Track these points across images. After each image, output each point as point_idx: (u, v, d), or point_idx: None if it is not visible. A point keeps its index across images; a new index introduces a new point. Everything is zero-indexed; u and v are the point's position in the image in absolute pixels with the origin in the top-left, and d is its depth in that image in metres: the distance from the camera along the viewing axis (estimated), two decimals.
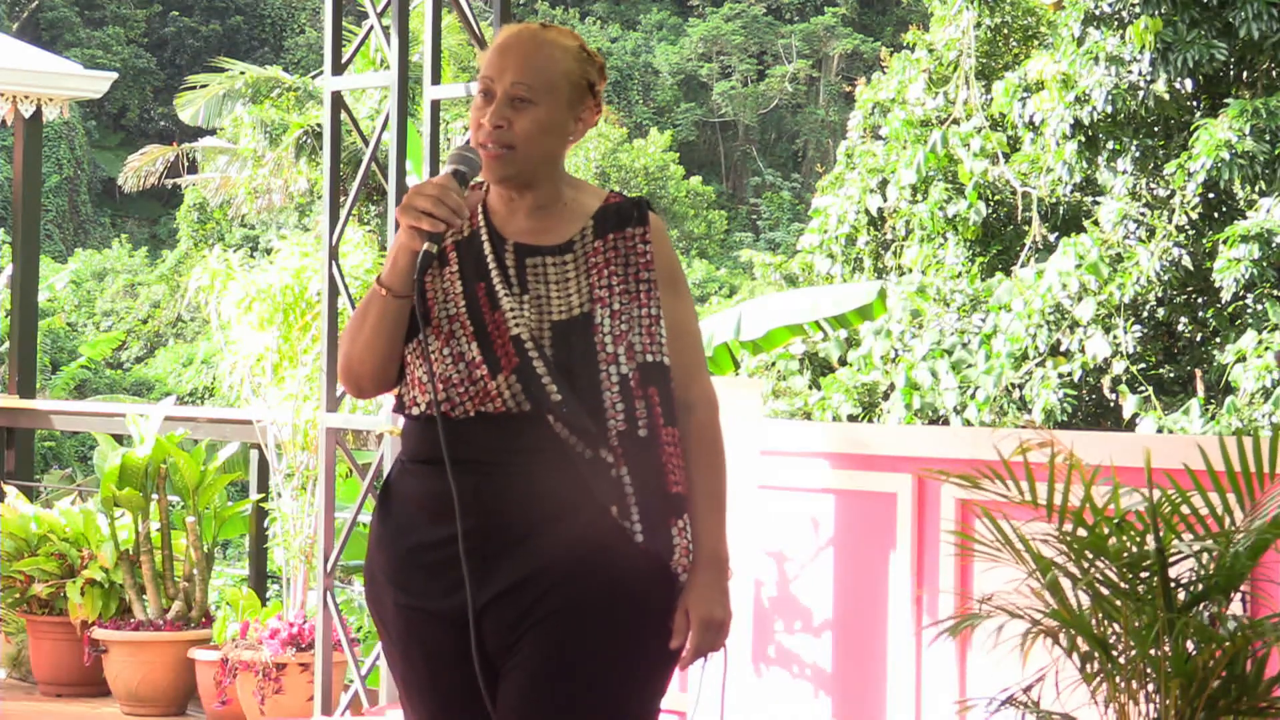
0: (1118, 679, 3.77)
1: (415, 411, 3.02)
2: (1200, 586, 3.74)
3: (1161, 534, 3.70)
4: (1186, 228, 14.57)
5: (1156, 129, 15.05)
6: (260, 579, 7.90)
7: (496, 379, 2.96)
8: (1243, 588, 3.82)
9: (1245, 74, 15.05)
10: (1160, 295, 14.54)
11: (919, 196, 16.02)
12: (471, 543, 2.95)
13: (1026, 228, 15.67)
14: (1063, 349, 14.43)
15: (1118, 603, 3.73)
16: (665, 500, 2.97)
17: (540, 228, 3.06)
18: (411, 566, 3.01)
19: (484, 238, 3.05)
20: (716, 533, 3.02)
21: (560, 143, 3.06)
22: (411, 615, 3.01)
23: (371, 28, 6.35)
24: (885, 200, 16.38)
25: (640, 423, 2.96)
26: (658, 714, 3.02)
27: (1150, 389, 14.16)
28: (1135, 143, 14.76)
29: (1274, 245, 13.70)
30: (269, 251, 7.97)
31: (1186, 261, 14.42)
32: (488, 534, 2.95)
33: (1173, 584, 3.74)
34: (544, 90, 3.01)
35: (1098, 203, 15.24)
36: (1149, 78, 14.51)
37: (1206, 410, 13.57)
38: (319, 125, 19.03)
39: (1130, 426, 13.84)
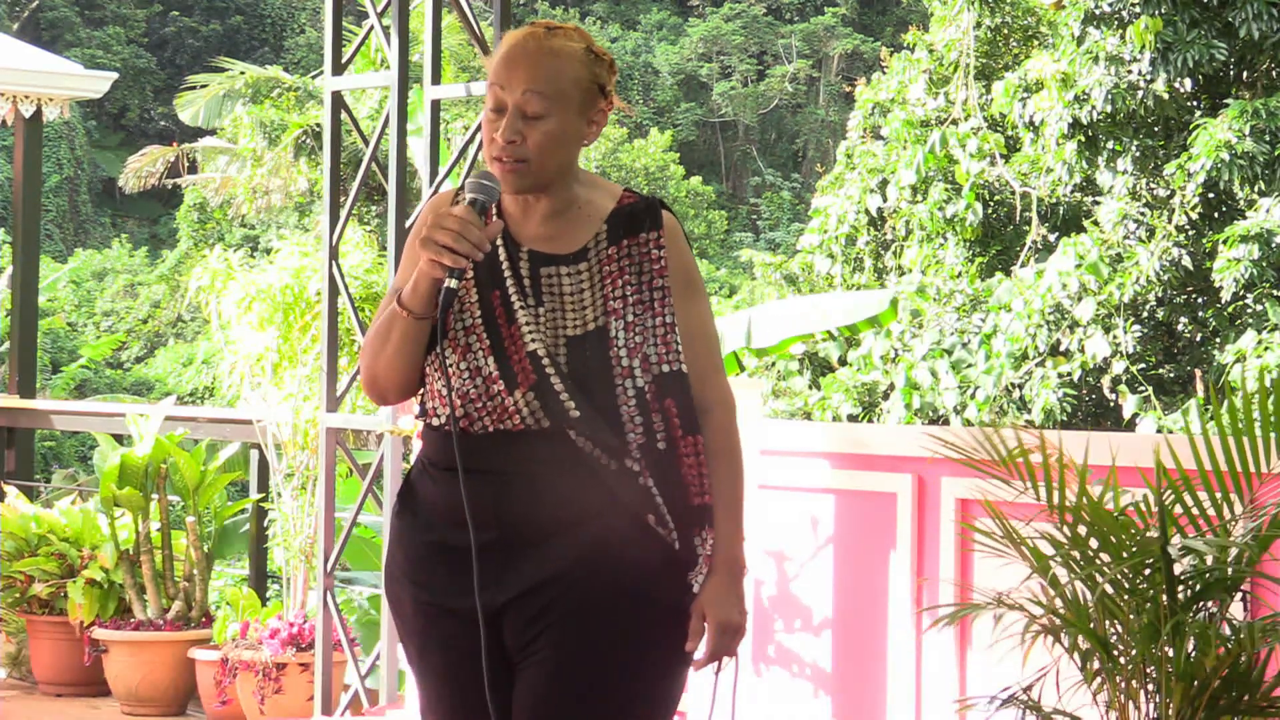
0: (1118, 678, 3.77)
1: (435, 422, 3.02)
2: (1199, 585, 3.74)
3: (1165, 529, 3.70)
4: (1186, 228, 14.58)
5: (1156, 129, 15.06)
6: (260, 579, 7.90)
7: (514, 395, 2.95)
8: (1243, 587, 3.82)
9: (1245, 74, 15.05)
10: (1160, 295, 14.54)
11: (919, 197, 16.03)
12: (491, 551, 2.96)
13: (1026, 228, 15.68)
14: (1063, 349, 14.44)
15: (1119, 601, 3.72)
16: (689, 511, 2.97)
17: (554, 233, 3.05)
18: (430, 564, 3.02)
19: (499, 243, 3.04)
20: (734, 537, 3.01)
21: (575, 148, 3.04)
22: (430, 612, 3.02)
23: (371, 28, 6.35)
24: (885, 200, 16.38)
25: (659, 435, 2.96)
26: (673, 714, 3.02)
27: (1150, 389, 14.16)
28: (1135, 143, 14.76)
29: (1274, 245, 13.71)
30: (269, 251, 7.97)
31: (1186, 261, 14.42)
32: (509, 539, 2.96)
33: (1175, 581, 3.74)
34: (555, 101, 2.98)
35: (1098, 203, 15.25)
36: (1149, 77, 14.52)
37: (1206, 410, 13.57)
38: (319, 125, 19.04)
39: (1130, 426, 13.84)
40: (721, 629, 2.97)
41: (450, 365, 2.99)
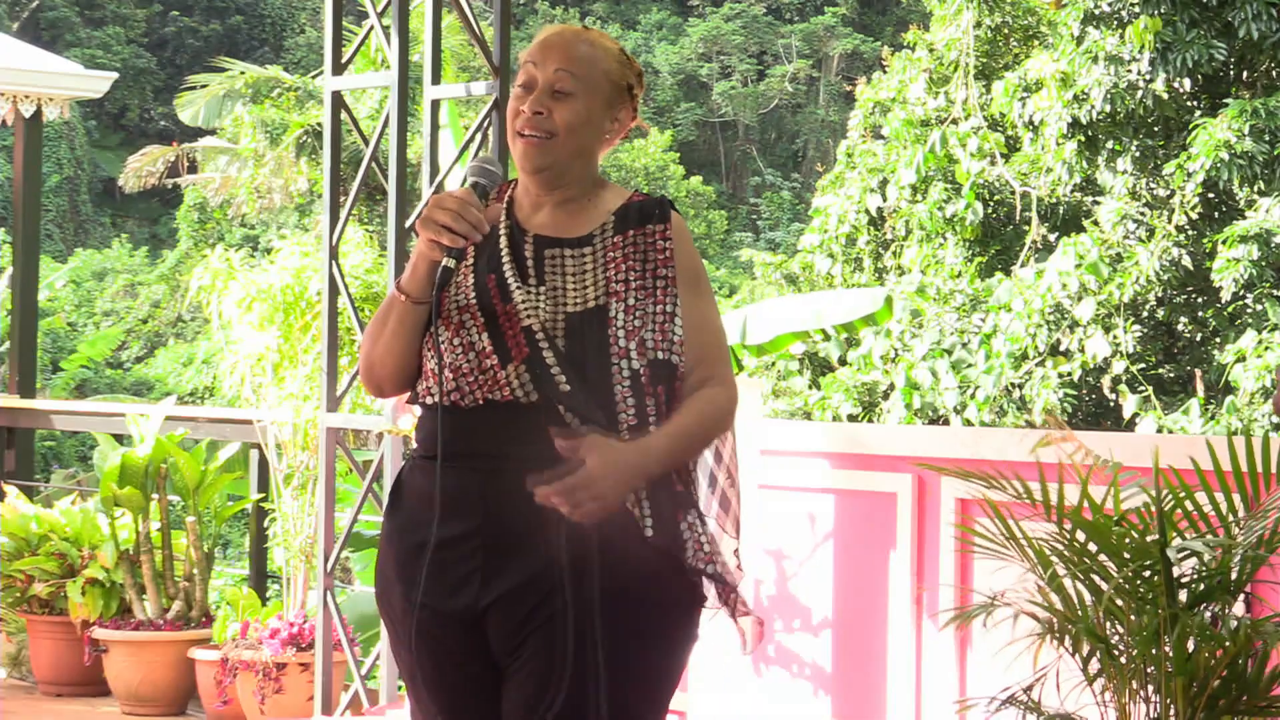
0: (1119, 679, 3.77)
1: (429, 401, 3.04)
2: (1202, 586, 3.74)
3: (1165, 532, 3.70)
4: (1186, 228, 14.58)
5: (1156, 129, 15.06)
6: (260, 579, 7.90)
7: (506, 369, 2.96)
8: (1244, 588, 3.82)
9: (1245, 74, 15.05)
10: (1160, 295, 14.54)
11: (919, 196, 16.03)
12: (475, 543, 2.95)
13: (1026, 228, 15.68)
14: (1063, 349, 14.44)
15: (1119, 601, 3.72)
16: (672, 496, 2.96)
17: (562, 221, 3.08)
18: (419, 564, 3.01)
19: (501, 231, 3.07)
20: (661, 449, 2.91)
21: (595, 139, 3.08)
22: (419, 613, 3.01)
23: (371, 28, 6.35)
24: (885, 200, 16.38)
25: (651, 419, 2.95)
26: (666, 713, 3.02)
27: (1150, 389, 14.17)
28: (1135, 142, 14.76)
29: (1273, 245, 13.71)
30: (269, 251, 7.97)
31: (1186, 261, 14.42)
32: (494, 532, 2.96)
33: (1175, 583, 3.74)
34: (585, 83, 3.05)
35: (1097, 203, 15.25)
36: (1148, 77, 14.52)
37: (1206, 410, 13.58)
38: (319, 125, 19.04)
39: (1130, 426, 13.84)
40: (603, 467, 2.83)
41: (443, 341, 3.00)
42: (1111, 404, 14.48)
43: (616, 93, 3.09)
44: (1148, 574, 3.72)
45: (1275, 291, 13.93)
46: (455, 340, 3.00)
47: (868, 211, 16.54)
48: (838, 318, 9.61)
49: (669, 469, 2.96)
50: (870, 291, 10.45)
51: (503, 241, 3.05)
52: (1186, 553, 3.69)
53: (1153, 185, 14.97)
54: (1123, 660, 3.77)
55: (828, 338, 9.96)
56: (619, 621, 2.93)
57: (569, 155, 3.05)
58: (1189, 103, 15.04)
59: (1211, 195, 14.42)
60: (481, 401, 2.97)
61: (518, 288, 3.00)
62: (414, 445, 3.13)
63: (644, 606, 2.95)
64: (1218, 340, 14.52)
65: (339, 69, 6.43)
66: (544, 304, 2.99)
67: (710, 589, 3.01)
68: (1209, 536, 3.76)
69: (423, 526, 3.01)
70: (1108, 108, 14.51)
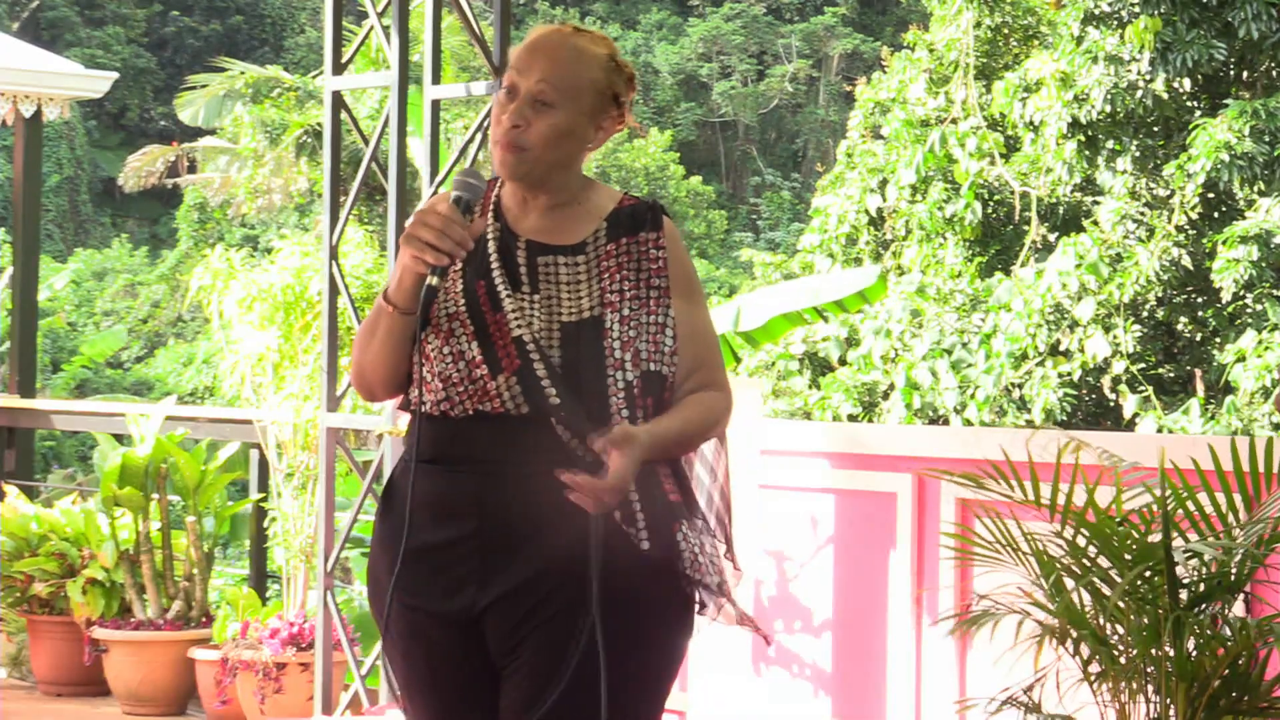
0: (1119, 679, 3.77)
1: (421, 409, 3.03)
2: (1202, 587, 3.74)
3: (1169, 532, 3.70)
4: (1186, 228, 14.59)
5: (1156, 129, 15.07)
6: (260, 579, 7.90)
7: (496, 379, 2.95)
8: (1244, 588, 3.82)
9: (1245, 74, 15.06)
10: (1160, 295, 14.55)
11: (919, 196, 16.04)
12: (471, 547, 2.95)
13: (1026, 228, 15.68)
14: (1062, 349, 14.44)
15: (1119, 603, 3.72)
16: (666, 507, 2.95)
17: (553, 227, 3.06)
18: (412, 567, 3.00)
19: (490, 235, 3.05)
20: (671, 437, 2.92)
21: (576, 148, 3.04)
22: (414, 615, 3.01)
23: (371, 28, 6.35)
24: (885, 200, 16.39)
25: None
26: (663, 712, 3.02)
27: (1150, 389, 14.17)
28: (1135, 142, 14.77)
29: (1273, 245, 13.72)
30: (269, 251, 7.98)
31: (1186, 261, 14.43)
32: (489, 534, 2.95)
33: (1177, 583, 3.74)
34: (566, 95, 3.00)
35: (1097, 203, 15.25)
36: (1148, 77, 14.53)
37: (1206, 410, 13.58)
38: (319, 125, 19.03)
39: (1130, 426, 13.85)
40: (629, 467, 2.81)
41: (433, 350, 2.99)
42: (1111, 404, 14.48)
43: (601, 101, 3.04)
44: (1149, 574, 3.72)
45: (1275, 291, 13.94)
46: (445, 349, 2.99)
47: (868, 211, 16.54)
48: (831, 295, 9.56)
49: (669, 457, 2.96)
50: (863, 270, 10.41)
51: (491, 247, 3.03)
52: (1188, 553, 3.69)
53: (1153, 185, 14.97)
54: (1123, 661, 3.77)
55: (821, 318, 9.86)
56: (616, 621, 2.92)
57: (546, 166, 3.02)
58: (1189, 103, 15.04)
59: (1211, 195, 14.43)
60: (471, 412, 2.96)
61: (508, 296, 2.98)
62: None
63: (641, 606, 2.94)
64: (1218, 340, 14.52)
65: (339, 69, 6.44)
66: (538, 313, 2.98)
67: (705, 598, 3.00)
68: (1211, 538, 3.76)
69: (416, 530, 3.00)
70: (1108, 108, 14.52)
